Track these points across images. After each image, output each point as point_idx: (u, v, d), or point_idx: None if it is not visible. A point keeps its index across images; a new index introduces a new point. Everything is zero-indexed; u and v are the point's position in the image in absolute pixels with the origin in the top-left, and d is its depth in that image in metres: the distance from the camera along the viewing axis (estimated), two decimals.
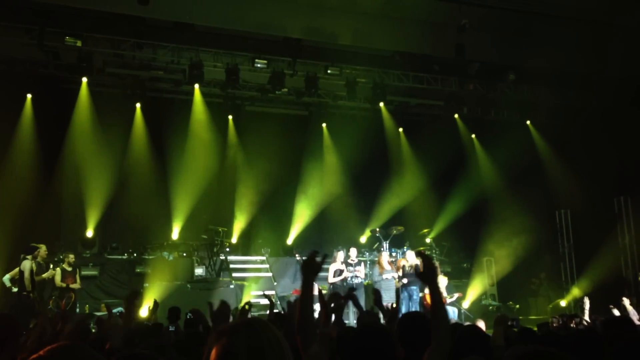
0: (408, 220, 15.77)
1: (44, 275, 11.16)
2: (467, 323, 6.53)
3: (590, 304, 9.68)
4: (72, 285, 11.63)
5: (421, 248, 15.19)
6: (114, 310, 11.61)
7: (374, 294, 5.41)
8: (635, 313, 9.00)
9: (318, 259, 2.88)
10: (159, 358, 3.27)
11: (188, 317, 7.08)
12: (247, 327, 1.78)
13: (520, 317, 13.76)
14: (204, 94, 14.93)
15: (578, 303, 14.73)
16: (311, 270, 2.88)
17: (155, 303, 7.83)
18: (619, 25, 13.82)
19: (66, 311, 10.68)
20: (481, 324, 6.94)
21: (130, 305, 4.31)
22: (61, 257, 12.07)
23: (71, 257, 11.79)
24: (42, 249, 11.11)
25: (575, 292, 15.55)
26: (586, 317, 9.08)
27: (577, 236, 16.58)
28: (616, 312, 9.04)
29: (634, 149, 14.94)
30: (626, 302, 9.16)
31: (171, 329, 6.93)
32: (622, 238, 15.90)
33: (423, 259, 2.84)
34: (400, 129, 17.08)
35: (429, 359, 2.64)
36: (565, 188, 15.96)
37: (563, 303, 15.55)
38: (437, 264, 13.17)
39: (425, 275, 2.81)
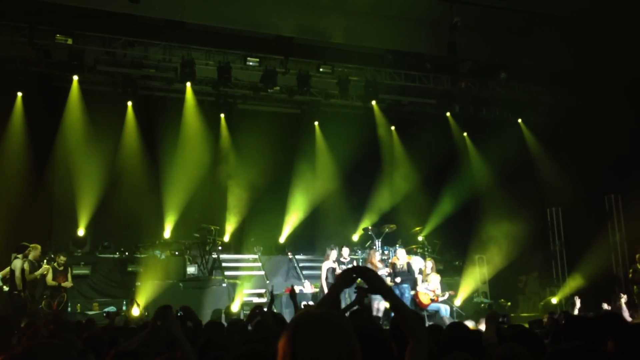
0: (400, 218, 15.80)
1: (37, 273, 11.09)
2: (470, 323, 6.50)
3: (581, 302, 9.73)
4: (64, 284, 11.60)
5: (413, 246, 15.24)
6: (107, 309, 11.63)
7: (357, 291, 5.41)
8: (627, 310, 9.05)
9: (355, 275, 2.87)
10: (153, 356, 3.27)
11: (179, 315, 7.06)
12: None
13: (512, 315, 13.84)
14: (195, 92, 14.88)
15: (569, 300, 14.81)
16: (346, 281, 2.85)
17: (137, 303, 7.78)
18: (610, 24, 13.89)
19: (58, 311, 10.70)
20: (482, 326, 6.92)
21: (155, 323, 4.27)
22: (52, 256, 12.03)
23: (62, 259, 11.74)
24: (38, 249, 11.06)
25: (567, 289, 15.63)
26: (576, 314, 9.13)
27: (568, 234, 16.65)
28: (606, 307, 9.10)
29: (625, 147, 15.03)
30: (623, 299, 9.21)
31: None
32: (612, 236, 15.99)
33: (362, 275, 2.79)
34: (393, 127, 17.11)
35: (411, 357, 2.64)
36: (556, 186, 16.02)
37: (554, 300, 15.62)
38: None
39: (371, 289, 2.76)
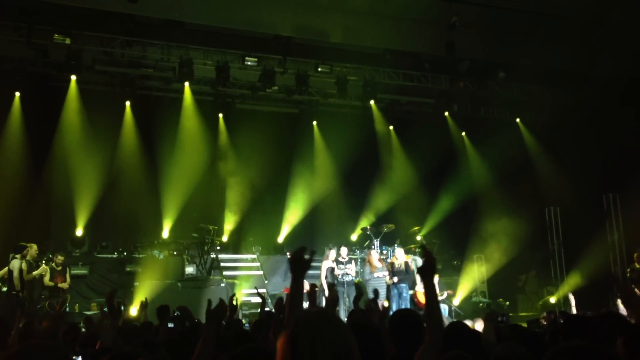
0: (399, 218, 15.80)
1: (35, 273, 11.08)
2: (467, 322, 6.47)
3: (576, 299, 9.73)
4: (61, 285, 11.59)
5: (411, 246, 15.23)
6: (105, 309, 11.58)
7: (357, 290, 5.41)
8: (625, 310, 9.05)
9: (306, 256, 2.85)
10: (146, 355, 3.27)
11: (176, 314, 7.05)
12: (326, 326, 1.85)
13: (510, 314, 13.83)
14: (194, 92, 14.87)
15: (566, 299, 14.82)
16: (300, 268, 2.84)
17: (144, 302, 7.79)
18: (608, 24, 13.89)
19: (62, 313, 10.67)
20: (478, 324, 6.91)
21: (111, 303, 4.30)
22: (50, 256, 12.02)
23: (60, 258, 11.73)
24: (33, 248, 11.04)
25: (565, 288, 15.62)
26: (573, 312, 9.13)
27: (567, 233, 16.66)
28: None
29: (622, 147, 15.03)
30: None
31: (170, 325, 6.88)
32: (610, 235, 15.99)
33: (425, 254, 2.82)
34: (391, 127, 17.11)
35: (422, 356, 2.64)
36: (554, 185, 16.03)
37: (553, 300, 15.62)
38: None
39: (424, 271, 2.79)
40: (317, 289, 4.37)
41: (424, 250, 2.88)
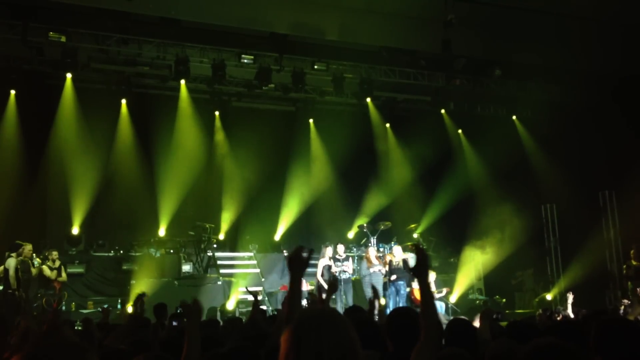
0: (395, 215, 15.82)
1: (34, 270, 11.09)
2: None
3: (574, 297, 9.75)
4: (60, 279, 11.61)
5: (408, 243, 15.24)
6: (104, 307, 11.60)
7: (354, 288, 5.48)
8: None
9: (304, 254, 2.85)
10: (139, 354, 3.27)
11: (179, 312, 7.02)
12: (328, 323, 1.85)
13: (507, 311, 13.89)
14: (190, 89, 14.85)
15: (564, 297, 14.84)
16: (298, 266, 2.84)
17: (141, 295, 7.72)
18: (604, 21, 13.91)
19: (58, 310, 10.65)
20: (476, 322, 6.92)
21: (136, 305, 4.32)
22: (46, 254, 12.00)
23: (54, 254, 11.73)
24: (27, 248, 11.02)
25: (561, 285, 15.66)
26: (569, 310, 9.16)
27: (563, 230, 16.69)
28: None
29: (619, 144, 15.06)
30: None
31: (174, 323, 6.84)
32: (607, 232, 16.03)
33: (418, 253, 2.81)
34: (387, 125, 17.11)
35: (418, 354, 2.64)
36: (550, 182, 16.05)
37: (549, 297, 15.64)
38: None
39: (417, 270, 2.78)
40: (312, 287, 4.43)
41: (416, 248, 2.88)
